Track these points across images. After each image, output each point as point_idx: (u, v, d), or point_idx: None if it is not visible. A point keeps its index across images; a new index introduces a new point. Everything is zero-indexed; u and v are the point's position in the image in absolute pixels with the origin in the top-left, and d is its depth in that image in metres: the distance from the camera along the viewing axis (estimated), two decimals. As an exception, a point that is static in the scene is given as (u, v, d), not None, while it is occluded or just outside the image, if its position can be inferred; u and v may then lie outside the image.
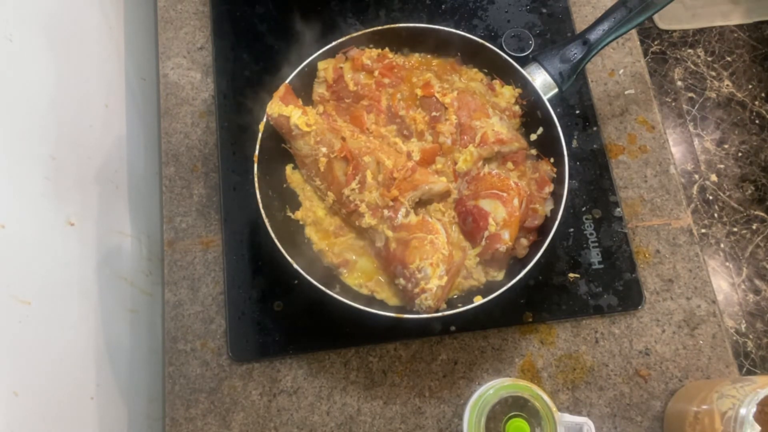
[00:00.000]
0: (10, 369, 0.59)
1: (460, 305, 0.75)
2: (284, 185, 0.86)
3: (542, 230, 0.80)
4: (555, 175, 0.82)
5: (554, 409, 0.69)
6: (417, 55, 0.91)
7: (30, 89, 0.70)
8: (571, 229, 0.89)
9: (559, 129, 0.80)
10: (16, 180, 0.65)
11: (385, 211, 0.77)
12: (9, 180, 0.63)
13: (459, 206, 0.80)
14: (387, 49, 0.89)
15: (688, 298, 0.87)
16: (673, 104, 2.14)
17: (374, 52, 0.88)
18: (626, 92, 0.98)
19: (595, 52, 0.83)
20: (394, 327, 0.82)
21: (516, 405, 0.70)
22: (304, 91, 0.87)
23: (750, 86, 2.16)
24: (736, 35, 2.23)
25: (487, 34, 1.00)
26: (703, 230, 1.98)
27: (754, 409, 0.64)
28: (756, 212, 2.00)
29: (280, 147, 0.84)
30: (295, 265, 0.74)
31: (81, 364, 0.73)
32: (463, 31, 0.86)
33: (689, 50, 2.21)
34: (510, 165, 0.84)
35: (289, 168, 0.86)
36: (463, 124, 0.82)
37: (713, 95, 2.15)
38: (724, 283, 1.93)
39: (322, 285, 0.74)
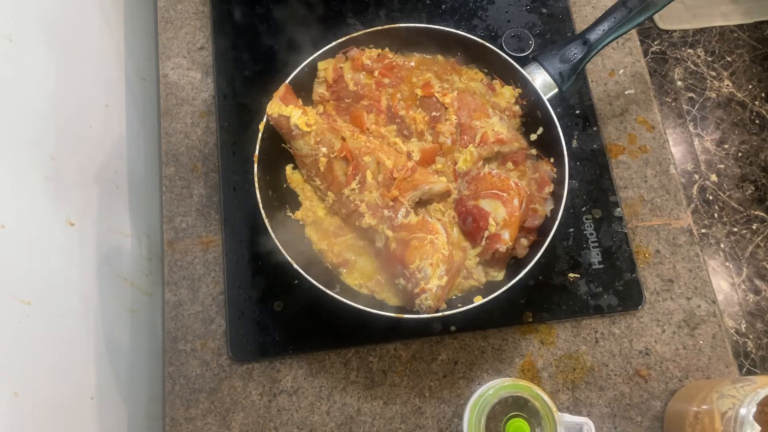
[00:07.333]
0: (10, 369, 0.59)
1: (460, 305, 0.75)
2: (284, 185, 0.86)
3: (542, 230, 0.80)
4: (555, 175, 0.82)
5: (554, 409, 0.69)
6: (417, 55, 0.91)
7: (30, 89, 0.70)
8: (571, 229, 0.89)
9: (559, 129, 0.80)
10: (16, 180, 0.65)
11: (385, 211, 0.77)
12: (9, 180, 0.63)
13: (459, 206, 0.80)
14: (387, 49, 0.89)
15: (688, 298, 0.87)
16: (673, 104, 2.14)
17: (374, 52, 0.88)
18: (626, 92, 0.98)
19: (595, 52, 0.83)
20: (394, 327, 0.82)
21: (516, 405, 0.70)
22: (304, 91, 0.87)
23: (750, 86, 2.16)
24: (736, 35, 2.23)
25: (487, 34, 1.00)
26: (703, 230, 1.98)
27: (754, 409, 0.64)
28: (756, 212, 2.00)
29: (280, 147, 0.84)
30: (295, 265, 0.74)
31: (81, 364, 0.73)
32: (463, 31, 0.86)
33: (689, 50, 2.21)
34: (510, 165, 0.84)
35: (289, 168, 0.86)
36: (463, 124, 0.82)
37: (713, 95, 2.15)
38: (724, 283, 1.92)
39: (322, 285, 0.74)
